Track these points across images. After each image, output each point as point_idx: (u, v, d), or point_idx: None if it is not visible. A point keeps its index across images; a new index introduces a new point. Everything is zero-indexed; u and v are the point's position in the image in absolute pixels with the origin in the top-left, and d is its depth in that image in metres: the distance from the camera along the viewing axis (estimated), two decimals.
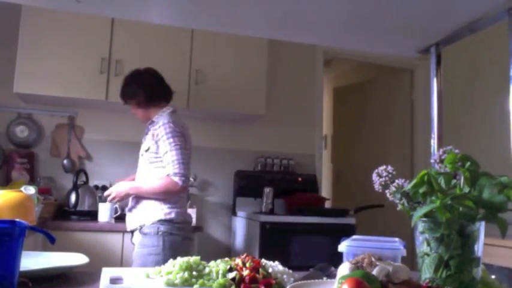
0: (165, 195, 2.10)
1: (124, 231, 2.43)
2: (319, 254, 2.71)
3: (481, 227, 0.71)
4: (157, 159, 2.14)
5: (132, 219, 2.18)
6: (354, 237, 0.97)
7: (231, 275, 0.80)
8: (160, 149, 2.11)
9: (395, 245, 0.89)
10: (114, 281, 0.83)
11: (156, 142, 2.13)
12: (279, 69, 3.63)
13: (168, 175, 2.08)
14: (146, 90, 2.22)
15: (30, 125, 3.08)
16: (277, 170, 3.50)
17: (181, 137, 2.13)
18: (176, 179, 2.06)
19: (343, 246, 0.90)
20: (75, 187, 2.82)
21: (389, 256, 0.82)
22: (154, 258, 1.97)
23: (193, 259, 0.90)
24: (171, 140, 2.09)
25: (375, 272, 0.67)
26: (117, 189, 2.18)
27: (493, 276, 0.79)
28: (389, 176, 0.79)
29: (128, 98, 2.28)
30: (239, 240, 3.23)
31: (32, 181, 2.94)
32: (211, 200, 3.38)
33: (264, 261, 0.87)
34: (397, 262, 0.83)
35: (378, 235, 1.03)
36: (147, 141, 2.19)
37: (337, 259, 0.90)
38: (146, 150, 2.18)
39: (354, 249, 0.86)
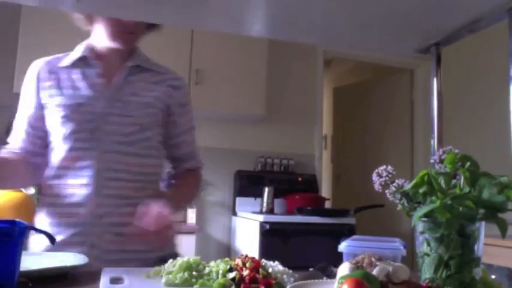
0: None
1: None
2: (319, 254, 2.71)
3: (481, 227, 0.71)
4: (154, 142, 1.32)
5: None
6: (354, 237, 0.97)
7: (231, 275, 0.80)
8: (178, 125, 1.37)
9: (396, 245, 0.89)
10: (114, 281, 0.83)
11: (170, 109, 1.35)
12: (279, 69, 3.63)
13: (198, 168, 1.43)
14: None
15: None
16: (277, 170, 3.50)
17: None
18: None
19: (343, 246, 0.90)
20: None
21: (389, 256, 0.82)
22: None
23: (193, 259, 0.90)
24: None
25: (375, 272, 0.67)
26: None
27: (493, 276, 0.79)
28: (389, 176, 0.79)
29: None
30: (239, 240, 3.23)
31: None
32: (211, 199, 3.38)
33: (264, 261, 0.87)
34: (397, 262, 0.83)
35: (378, 235, 1.03)
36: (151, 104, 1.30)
37: (337, 259, 0.90)
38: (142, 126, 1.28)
39: (354, 249, 0.86)
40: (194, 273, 0.84)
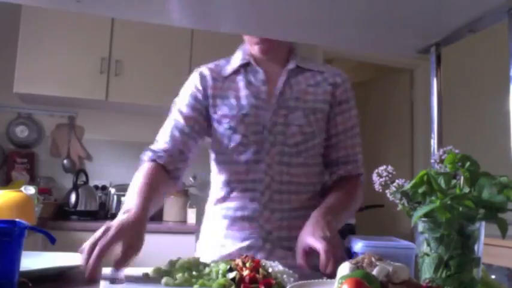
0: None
1: None
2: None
3: (481, 227, 0.71)
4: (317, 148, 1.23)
5: None
6: (360, 236, 0.97)
7: (231, 275, 0.80)
8: (336, 124, 1.26)
9: (409, 244, 0.89)
10: (114, 280, 0.83)
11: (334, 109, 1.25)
12: None
13: (355, 176, 1.26)
14: None
15: (30, 125, 3.08)
16: None
17: None
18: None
19: (359, 247, 0.89)
20: (75, 187, 2.82)
21: (402, 255, 0.83)
22: None
23: (194, 259, 0.90)
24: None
25: (375, 272, 0.67)
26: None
27: (493, 276, 0.79)
28: (389, 176, 0.79)
29: None
30: None
31: (32, 181, 2.94)
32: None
33: (264, 261, 0.87)
34: (411, 262, 0.84)
35: (378, 235, 1.03)
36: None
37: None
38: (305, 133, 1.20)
39: (369, 250, 0.86)
40: (194, 273, 0.84)
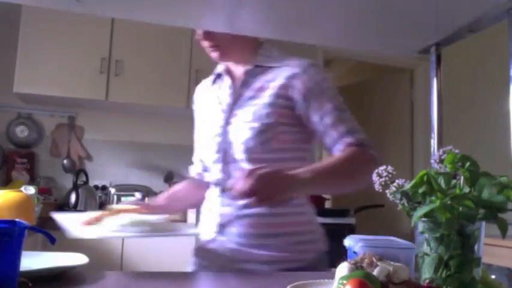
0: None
1: None
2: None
3: (481, 227, 0.71)
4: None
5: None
6: (359, 236, 0.97)
7: None
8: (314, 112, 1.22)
9: (410, 244, 0.89)
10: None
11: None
12: None
13: (353, 145, 1.19)
14: None
15: (30, 125, 3.08)
16: None
17: None
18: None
19: (358, 247, 0.89)
20: (75, 187, 2.82)
21: (402, 255, 0.82)
22: None
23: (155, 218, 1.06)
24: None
25: (375, 272, 0.67)
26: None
27: (493, 276, 0.79)
28: (389, 176, 0.79)
29: None
30: None
31: (32, 181, 2.94)
32: None
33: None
34: (412, 262, 0.84)
35: (378, 235, 1.03)
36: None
37: (337, 259, 0.90)
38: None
39: (369, 250, 0.86)
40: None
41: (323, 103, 1.20)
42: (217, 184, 1.25)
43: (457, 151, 0.75)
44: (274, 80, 1.22)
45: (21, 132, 3.05)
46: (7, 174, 2.97)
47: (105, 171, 3.13)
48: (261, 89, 1.22)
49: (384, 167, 0.80)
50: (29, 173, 2.99)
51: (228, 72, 1.32)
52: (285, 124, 1.20)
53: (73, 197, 2.79)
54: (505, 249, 2.38)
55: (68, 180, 3.05)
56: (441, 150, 0.77)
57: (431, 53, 1.14)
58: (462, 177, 0.72)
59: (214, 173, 1.26)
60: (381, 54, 3.72)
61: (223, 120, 1.24)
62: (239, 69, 1.30)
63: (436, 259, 0.71)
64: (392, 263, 0.70)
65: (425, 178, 0.74)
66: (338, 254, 0.94)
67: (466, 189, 0.72)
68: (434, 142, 1.12)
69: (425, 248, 0.73)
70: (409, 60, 4.08)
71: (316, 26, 1.08)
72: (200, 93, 1.45)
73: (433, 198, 0.72)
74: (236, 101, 1.25)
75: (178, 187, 1.44)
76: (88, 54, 2.85)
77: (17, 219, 0.72)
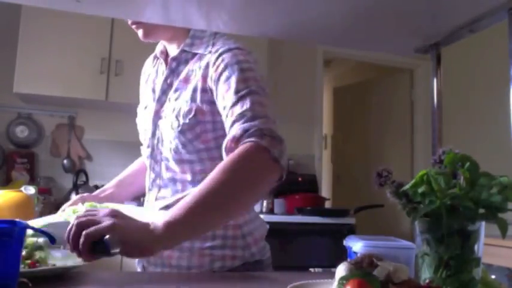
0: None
1: None
2: (319, 254, 2.71)
3: (481, 227, 0.71)
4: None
5: None
6: (359, 236, 0.97)
7: None
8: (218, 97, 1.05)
9: (409, 244, 0.89)
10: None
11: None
12: (279, 69, 3.63)
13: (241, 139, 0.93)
14: None
15: (30, 125, 3.08)
16: None
17: None
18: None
19: (359, 247, 0.89)
20: (75, 187, 2.82)
21: (402, 255, 0.82)
22: None
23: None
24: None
25: (375, 272, 0.67)
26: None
27: (493, 276, 0.79)
28: (389, 176, 0.79)
29: None
30: None
31: (32, 181, 2.94)
32: None
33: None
34: (411, 262, 0.84)
35: (378, 235, 1.03)
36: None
37: (337, 259, 0.90)
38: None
39: (369, 250, 0.86)
40: None
41: (228, 89, 0.99)
42: (148, 187, 1.17)
43: (457, 151, 0.75)
44: (195, 70, 1.09)
45: (21, 132, 3.05)
46: (7, 174, 2.97)
47: (105, 171, 3.13)
48: (185, 81, 1.09)
49: (384, 167, 0.80)
50: (29, 173, 2.99)
51: (164, 53, 1.20)
52: (207, 122, 1.05)
53: (73, 197, 2.78)
54: (505, 249, 2.38)
55: (68, 180, 3.05)
56: (441, 150, 0.77)
57: (431, 53, 1.14)
58: (462, 177, 0.72)
59: (148, 171, 1.19)
60: (381, 54, 3.72)
61: (153, 112, 1.14)
62: (173, 51, 1.16)
63: (436, 259, 0.71)
64: (392, 263, 0.70)
65: (425, 178, 0.74)
66: (338, 254, 0.94)
67: (466, 189, 0.72)
68: (434, 142, 1.12)
69: (425, 248, 0.73)
70: (409, 60, 4.09)
71: (316, 26, 1.08)
72: (146, 68, 1.32)
73: (433, 198, 0.72)
74: (166, 91, 1.13)
75: (128, 171, 1.40)
76: (88, 54, 2.85)
77: (17, 219, 0.72)
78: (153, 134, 1.14)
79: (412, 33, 1.09)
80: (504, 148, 0.93)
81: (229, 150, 0.93)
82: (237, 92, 0.98)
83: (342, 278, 0.66)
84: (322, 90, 3.93)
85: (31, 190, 2.09)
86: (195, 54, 1.11)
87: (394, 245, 0.89)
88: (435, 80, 1.14)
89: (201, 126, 1.05)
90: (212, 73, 1.05)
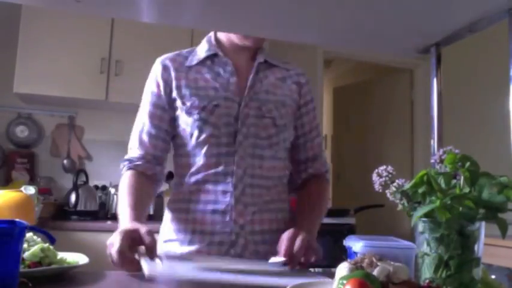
0: None
1: None
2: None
3: (481, 227, 0.71)
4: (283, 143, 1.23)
5: None
6: (360, 236, 0.97)
7: None
8: (304, 124, 1.29)
9: (410, 244, 0.89)
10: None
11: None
12: None
13: (323, 174, 1.32)
14: None
15: (30, 125, 3.08)
16: None
17: None
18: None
19: (359, 247, 0.89)
20: (75, 187, 2.82)
21: (403, 256, 0.82)
22: None
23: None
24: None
25: (376, 272, 0.67)
26: None
27: (493, 276, 0.79)
28: (389, 176, 0.79)
29: None
30: None
31: (32, 181, 2.94)
32: None
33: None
34: (411, 262, 0.84)
35: (378, 235, 1.03)
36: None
37: (337, 259, 0.90)
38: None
39: (369, 250, 0.86)
40: None
41: (314, 118, 1.30)
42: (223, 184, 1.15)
43: (457, 151, 0.75)
44: (284, 80, 1.26)
45: (21, 132, 3.05)
46: (7, 174, 2.97)
47: (105, 171, 3.12)
48: (275, 86, 1.23)
49: (384, 167, 0.81)
50: (29, 173, 2.99)
51: (227, 55, 1.22)
52: (293, 127, 1.26)
53: (73, 197, 2.79)
54: (505, 249, 2.38)
55: (68, 180, 3.05)
56: (441, 150, 0.77)
57: (431, 53, 1.14)
58: (462, 177, 0.72)
59: (222, 165, 1.14)
60: (381, 54, 3.72)
61: (240, 111, 1.16)
62: (241, 59, 1.23)
63: (436, 259, 0.71)
64: (392, 263, 0.70)
65: (425, 178, 0.74)
66: (338, 254, 0.94)
67: (466, 189, 0.72)
68: (434, 142, 1.12)
69: (425, 248, 0.73)
70: (409, 60, 4.08)
71: (316, 26, 1.08)
72: (176, 67, 1.21)
73: (433, 198, 0.72)
74: (250, 92, 1.19)
75: (134, 189, 1.15)
76: (88, 54, 2.85)
77: (17, 219, 0.72)
78: (237, 131, 1.17)
79: (412, 34, 1.09)
80: (504, 148, 0.93)
81: (321, 176, 1.31)
82: (318, 125, 1.36)
83: (342, 278, 0.66)
84: (322, 90, 3.93)
85: (31, 190, 2.09)
86: (275, 65, 1.29)
87: (394, 245, 0.89)
88: (435, 80, 1.14)
89: (289, 130, 1.27)
90: (304, 94, 1.30)
